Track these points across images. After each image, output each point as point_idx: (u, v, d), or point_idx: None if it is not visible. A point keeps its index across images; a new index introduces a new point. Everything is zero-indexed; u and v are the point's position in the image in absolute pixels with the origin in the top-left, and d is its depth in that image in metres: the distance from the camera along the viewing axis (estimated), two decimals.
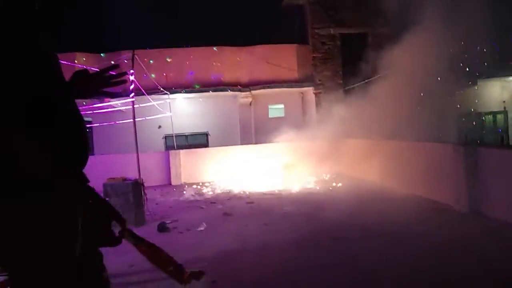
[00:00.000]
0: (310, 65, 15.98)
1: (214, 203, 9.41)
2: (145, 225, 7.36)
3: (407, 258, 4.79)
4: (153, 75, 14.84)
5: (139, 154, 14.07)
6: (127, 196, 7.17)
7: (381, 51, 14.44)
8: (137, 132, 15.53)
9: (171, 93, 14.46)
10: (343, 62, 15.76)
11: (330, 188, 10.71)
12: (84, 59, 15.14)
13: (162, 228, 6.77)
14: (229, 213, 7.98)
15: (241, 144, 15.76)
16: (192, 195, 10.82)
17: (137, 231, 6.67)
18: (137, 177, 7.62)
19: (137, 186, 7.40)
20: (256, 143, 15.86)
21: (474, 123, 16.93)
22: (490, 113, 17.49)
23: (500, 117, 17.57)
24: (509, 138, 17.19)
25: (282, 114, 16.83)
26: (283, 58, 16.07)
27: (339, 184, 11.18)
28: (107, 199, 6.96)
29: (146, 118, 13.06)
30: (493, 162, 6.29)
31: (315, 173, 13.27)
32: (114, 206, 2.63)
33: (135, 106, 11.61)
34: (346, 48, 16.26)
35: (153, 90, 14.22)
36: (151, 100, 12.79)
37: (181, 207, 9.13)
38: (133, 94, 8.54)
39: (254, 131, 16.42)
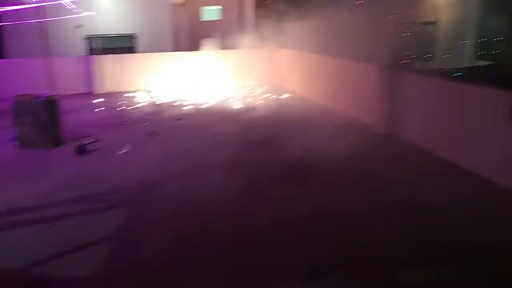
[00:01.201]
0: None
1: (140, 118, 9.00)
2: (62, 146, 6.88)
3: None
4: None
5: (57, 59, 12.85)
6: (39, 115, 6.56)
7: None
8: (55, 33, 13.99)
9: None
10: None
11: (261, 102, 10.63)
12: None
13: (80, 150, 6.39)
14: (155, 131, 7.70)
15: (172, 49, 14.80)
16: (116, 109, 10.24)
17: (55, 152, 6.38)
18: (51, 93, 6.84)
19: (52, 103, 6.74)
20: (190, 49, 14.96)
21: (406, 34, 17.15)
22: (422, 23, 17.71)
23: (430, 27, 17.91)
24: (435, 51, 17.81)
25: (217, 17, 15.78)
26: None
27: (272, 96, 11.17)
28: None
29: (64, 17, 11.58)
30: (413, 88, 6.48)
31: (250, 83, 13.05)
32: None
33: (50, 2, 10.18)
34: None
35: None
36: None
37: (104, 123, 8.62)
38: None
39: (187, 35, 15.37)
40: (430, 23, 17.78)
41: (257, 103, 10.40)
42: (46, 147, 6.64)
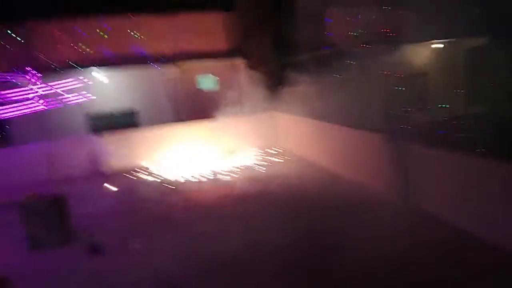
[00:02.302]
0: (240, 34, 15.31)
1: (146, 201, 8.92)
2: (72, 243, 6.73)
3: None
4: (65, 50, 13.37)
5: (59, 141, 12.92)
6: (48, 215, 6.48)
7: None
8: (57, 115, 14.21)
9: (86, 69, 13.12)
10: (277, 33, 15.23)
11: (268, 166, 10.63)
12: None
13: (92, 248, 6.24)
14: (163, 218, 7.58)
15: (173, 120, 15.03)
16: (120, 190, 10.19)
17: (65, 253, 6.21)
18: (57, 193, 6.82)
19: (60, 202, 6.69)
20: (187, 118, 15.20)
21: (398, 88, 17.65)
22: (412, 75, 18.26)
23: (421, 79, 18.46)
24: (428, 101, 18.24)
25: (213, 86, 16.20)
26: (211, 27, 15.17)
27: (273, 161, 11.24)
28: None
29: (64, 101, 11.82)
30: (418, 158, 6.53)
31: (254, 151, 13.18)
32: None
33: (49, 88, 10.46)
34: (279, 15, 15.73)
35: (65, 67, 12.82)
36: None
37: (111, 210, 8.53)
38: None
39: (184, 105, 15.67)
40: (420, 75, 18.39)
41: (259, 172, 10.42)
42: (55, 246, 6.49)
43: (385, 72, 17.61)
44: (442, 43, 18.32)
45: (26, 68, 12.73)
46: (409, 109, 17.35)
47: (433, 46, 18.35)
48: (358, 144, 8.38)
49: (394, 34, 16.20)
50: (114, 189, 10.31)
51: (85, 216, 8.16)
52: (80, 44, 13.84)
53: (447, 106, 17.81)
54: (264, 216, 7.16)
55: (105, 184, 10.86)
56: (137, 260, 5.94)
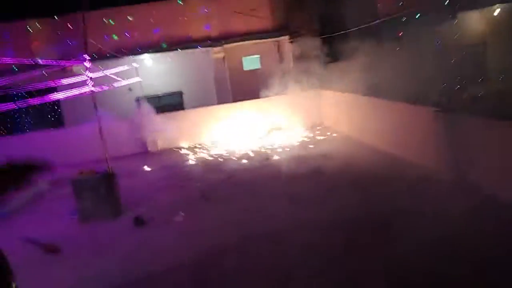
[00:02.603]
0: (285, 11, 14.99)
1: (192, 178, 9.10)
2: (121, 216, 7.05)
3: None
4: (115, 37, 13.83)
5: (113, 123, 13.53)
6: (99, 190, 6.80)
7: None
8: (109, 99, 14.88)
9: (136, 54, 13.53)
10: (322, 7, 14.71)
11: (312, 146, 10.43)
12: (37, 25, 13.87)
13: (137, 222, 6.49)
14: (207, 195, 7.69)
15: (218, 101, 15.18)
16: (169, 168, 10.49)
17: (113, 225, 6.51)
18: (107, 167, 7.11)
19: (110, 178, 6.99)
20: (233, 100, 15.29)
21: (452, 60, 16.55)
22: (469, 46, 17.01)
23: (480, 49, 17.16)
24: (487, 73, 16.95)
25: (258, 66, 16.10)
26: (255, 6, 14.97)
27: (321, 138, 10.96)
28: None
29: (114, 85, 12.26)
30: (474, 133, 6.03)
31: (299, 130, 13.03)
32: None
33: (99, 72, 10.87)
34: None
35: (117, 53, 13.30)
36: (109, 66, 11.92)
37: (158, 186, 8.82)
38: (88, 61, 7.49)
39: (230, 87, 15.75)
40: (477, 45, 17.09)
41: (310, 150, 10.24)
42: (106, 219, 6.83)
43: (439, 43, 16.57)
44: (504, 8, 16.80)
45: (79, 55, 13.43)
46: (465, 82, 16.29)
47: (494, 11, 16.90)
48: (409, 120, 7.89)
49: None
50: (161, 166, 10.65)
51: (134, 191, 8.54)
52: (129, 30, 14.24)
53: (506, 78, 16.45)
54: (317, 193, 7.02)
55: (150, 161, 11.27)
56: (179, 230, 6.10)
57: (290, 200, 6.68)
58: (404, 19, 14.34)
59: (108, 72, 11.36)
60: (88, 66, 7.17)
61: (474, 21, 16.84)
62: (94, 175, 6.85)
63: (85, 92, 10.23)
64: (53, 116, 15.20)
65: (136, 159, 12.21)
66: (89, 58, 7.11)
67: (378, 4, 15.04)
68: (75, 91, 8.08)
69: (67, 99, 13.24)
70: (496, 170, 5.56)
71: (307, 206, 6.35)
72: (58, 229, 6.86)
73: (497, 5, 16.41)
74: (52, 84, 11.56)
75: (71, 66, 13.52)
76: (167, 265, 5.03)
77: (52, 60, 9.64)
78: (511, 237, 4.47)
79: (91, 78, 7.06)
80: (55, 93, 9.32)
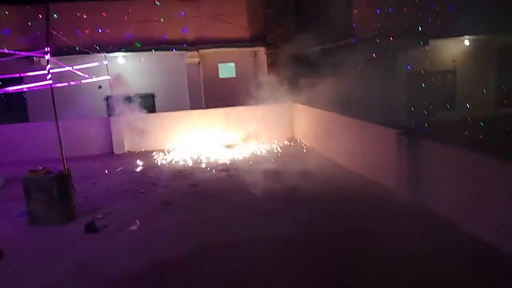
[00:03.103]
0: (262, 22, 15.02)
1: (155, 184, 8.86)
2: (74, 220, 6.72)
3: None
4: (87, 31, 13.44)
5: (79, 121, 13.11)
6: (50, 191, 6.46)
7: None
8: (77, 96, 14.42)
9: (108, 52, 13.19)
10: (300, 20, 14.82)
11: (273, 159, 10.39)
12: (6, 12, 13.32)
13: (90, 228, 6.20)
14: (168, 201, 7.49)
15: (191, 106, 14.98)
16: (133, 172, 10.19)
17: (64, 230, 6.20)
18: (62, 168, 6.77)
19: (62, 178, 6.66)
20: (206, 106, 15.13)
21: (423, 85, 17.03)
22: (439, 72, 17.56)
23: (449, 76, 17.73)
24: (455, 100, 17.52)
25: (233, 75, 16.02)
26: (233, 13, 14.93)
27: (288, 152, 10.94)
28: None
29: (81, 81, 11.87)
30: (436, 158, 6.12)
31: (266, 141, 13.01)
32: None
33: (67, 67, 10.49)
34: (303, 5, 15.33)
35: (87, 48, 12.90)
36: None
37: (118, 191, 8.51)
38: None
39: (203, 92, 15.58)
40: (448, 72, 17.66)
41: (276, 163, 10.19)
42: (56, 223, 6.49)
43: (410, 68, 17.01)
44: (474, 40, 17.47)
45: (47, 48, 12.95)
46: (432, 108, 16.77)
47: (465, 42, 17.53)
48: (374, 140, 7.98)
49: (423, 28, 15.56)
50: (125, 169, 10.33)
51: (91, 194, 8.20)
52: (102, 26, 13.88)
53: (473, 105, 17.07)
54: (279, 207, 6.95)
55: (115, 163, 10.92)
56: (132, 240, 5.86)
57: (251, 212, 6.60)
58: (377, 41, 14.67)
59: (76, 67, 10.98)
60: (47, 59, 6.77)
61: (445, 49, 17.40)
62: (46, 175, 6.50)
63: (44, 86, 9.86)
64: (18, 109, 14.55)
65: (100, 161, 11.82)
66: (50, 50, 6.73)
67: (354, 24, 15.34)
68: (34, 85, 7.71)
69: (32, 92, 12.83)
70: (449, 194, 5.68)
71: (270, 218, 6.27)
72: (4, 231, 6.47)
73: (466, 36, 17.03)
74: (16, 75, 11.15)
75: (38, 58, 13.05)
76: (112, 277, 4.79)
77: (14, 50, 9.23)
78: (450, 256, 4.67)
79: (49, 71, 6.69)
80: (16, 86, 8.94)
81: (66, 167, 6.73)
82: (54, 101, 6.80)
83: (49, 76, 6.65)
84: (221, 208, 7.04)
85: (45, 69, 10.14)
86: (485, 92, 17.72)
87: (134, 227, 6.31)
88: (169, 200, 7.60)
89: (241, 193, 7.76)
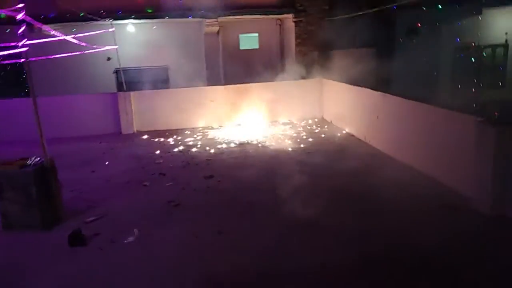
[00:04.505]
0: None
1: (164, 175, 7.43)
2: (59, 224, 5.36)
3: None
4: None
5: (84, 97, 11.76)
6: (27, 190, 5.09)
7: None
8: (84, 67, 13.02)
9: (116, 19, 11.63)
10: None
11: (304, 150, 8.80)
12: None
13: (75, 239, 4.81)
14: (176, 201, 6.05)
15: (208, 82, 13.41)
16: (138, 156, 8.80)
17: (43, 239, 4.79)
18: (43, 157, 5.33)
19: (45, 173, 5.27)
20: (225, 81, 13.53)
21: (472, 59, 14.96)
22: (489, 46, 15.40)
23: (499, 51, 15.56)
24: (505, 77, 15.42)
25: (256, 46, 14.28)
26: None
27: (322, 135, 9.31)
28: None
29: (85, 52, 10.41)
30: None
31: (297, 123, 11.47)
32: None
33: (72, 36, 9.09)
34: None
35: (93, 14, 11.39)
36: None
37: (119, 182, 7.11)
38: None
39: (223, 66, 13.94)
40: (499, 46, 15.50)
41: (310, 148, 8.61)
42: (35, 229, 5.15)
43: (458, 40, 14.95)
44: None
45: (48, 15, 11.50)
46: (480, 85, 14.77)
47: None
48: (443, 129, 6.24)
49: None
50: (132, 153, 8.95)
51: (84, 189, 6.83)
52: None
53: None
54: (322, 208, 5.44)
55: (122, 148, 9.56)
56: (126, 258, 4.45)
57: (280, 224, 5.10)
58: (424, 8, 12.67)
59: (78, 36, 9.50)
60: (19, 18, 5.19)
61: (498, 20, 15.18)
62: (21, 169, 5.10)
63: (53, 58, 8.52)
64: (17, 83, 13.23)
65: (106, 142, 10.49)
66: (24, 7, 5.16)
67: None
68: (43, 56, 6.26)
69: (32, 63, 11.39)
70: None
71: (310, 236, 4.76)
72: None
73: None
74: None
75: (38, 26, 11.58)
76: None
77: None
78: None
79: (23, 36, 5.17)
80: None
81: (48, 157, 5.29)
82: (30, 75, 5.31)
83: (22, 43, 5.12)
84: (241, 214, 5.55)
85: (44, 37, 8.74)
86: None
87: (131, 239, 4.90)
88: (177, 198, 6.17)
89: (269, 192, 6.26)
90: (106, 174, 7.64)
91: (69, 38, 8.49)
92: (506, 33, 15.27)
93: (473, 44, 14.77)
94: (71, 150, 9.50)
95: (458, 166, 5.66)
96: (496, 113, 4.94)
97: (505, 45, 15.38)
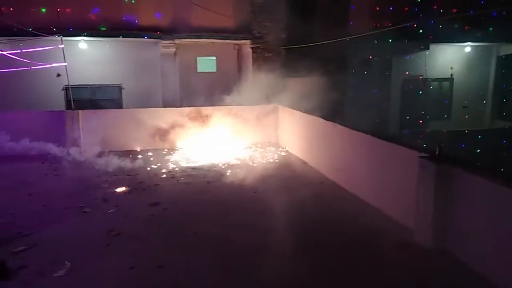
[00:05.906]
0: (249, 12, 13.31)
1: (106, 201, 7.07)
2: None
3: None
4: (43, 10, 11.46)
5: (27, 114, 11.12)
6: None
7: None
8: (31, 82, 12.40)
9: (67, 35, 11.24)
10: (291, 13, 13.10)
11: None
12: None
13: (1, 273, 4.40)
14: (117, 230, 5.73)
15: (163, 103, 13.18)
16: (82, 177, 8.37)
17: None
18: None
19: None
20: (181, 103, 13.34)
21: (420, 92, 15.78)
22: (436, 79, 16.33)
23: (445, 84, 16.52)
24: (451, 109, 16.36)
25: (213, 69, 14.27)
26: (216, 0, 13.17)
27: (272, 160, 9.31)
28: None
29: (32, 68, 9.96)
30: (476, 194, 4.59)
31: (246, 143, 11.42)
32: None
33: (18, 51, 8.66)
34: None
35: (44, 30, 10.96)
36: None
37: (57, 207, 6.68)
38: None
39: (179, 88, 13.78)
40: (445, 79, 16.48)
41: (262, 172, 8.55)
42: None
43: (407, 73, 15.74)
44: (474, 47, 16.35)
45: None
46: (427, 117, 15.56)
47: (465, 49, 16.37)
48: (388, 161, 6.37)
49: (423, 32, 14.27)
50: (76, 176, 8.49)
51: (16, 213, 6.34)
52: (62, 5, 11.91)
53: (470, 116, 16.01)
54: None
55: (66, 167, 9.07)
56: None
57: (224, 255, 4.94)
58: (376, 41, 13.26)
59: (30, 51, 9.07)
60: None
61: (444, 56, 16.18)
62: None
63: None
64: None
65: (47, 162, 9.92)
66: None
67: (351, 23, 13.89)
68: None
69: None
70: (488, 243, 4.19)
71: (252, 269, 4.62)
72: None
73: (467, 43, 15.90)
74: None
75: None
76: None
77: None
78: None
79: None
80: None
81: None
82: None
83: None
84: (183, 246, 5.33)
85: None
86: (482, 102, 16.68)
87: (61, 272, 4.54)
88: (118, 227, 5.85)
89: (215, 221, 6.09)
90: (44, 198, 7.16)
91: (5, 53, 8.05)
92: (452, 68, 16.30)
93: (420, 77, 15.57)
94: (9, 171, 8.90)
95: (402, 199, 5.78)
96: (440, 146, 5.05)
97: (451, 79, 16.37)
